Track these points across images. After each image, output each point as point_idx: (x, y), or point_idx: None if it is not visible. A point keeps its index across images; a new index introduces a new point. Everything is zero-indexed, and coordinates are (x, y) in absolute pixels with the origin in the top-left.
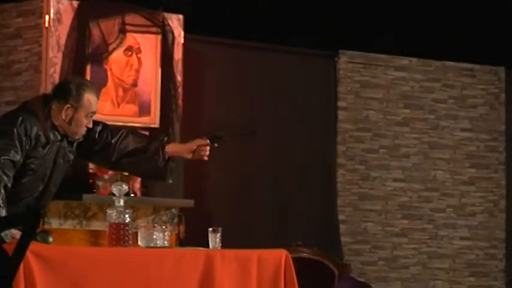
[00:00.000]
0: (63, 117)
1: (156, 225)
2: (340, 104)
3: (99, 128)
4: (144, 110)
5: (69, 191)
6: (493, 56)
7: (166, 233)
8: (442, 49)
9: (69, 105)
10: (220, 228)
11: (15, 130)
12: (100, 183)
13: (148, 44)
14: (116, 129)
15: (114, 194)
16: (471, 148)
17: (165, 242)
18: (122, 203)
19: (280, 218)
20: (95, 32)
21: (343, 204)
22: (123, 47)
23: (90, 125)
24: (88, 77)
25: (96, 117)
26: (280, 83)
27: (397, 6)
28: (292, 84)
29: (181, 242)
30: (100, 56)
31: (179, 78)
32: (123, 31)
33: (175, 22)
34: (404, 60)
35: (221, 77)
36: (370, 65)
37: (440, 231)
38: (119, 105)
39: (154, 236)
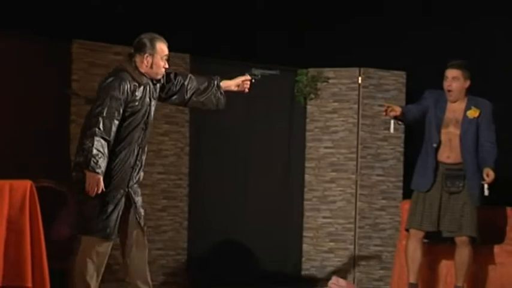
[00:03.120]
0: (146, 64)
1: None
2: (73, 77)
3: (172, 75)
4: None
5: None
6: (180, 45)
7: None
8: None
9: (147, 54)
10: None
11: (111, 92)
12: None
13: None
14: (184, 73)
15: None
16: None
17: None
18: None
19: (26, 154)
20: None
21: None
22: None
23: (167, 66)
24: None
25: None
26: (26, 64)
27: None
28: (33, 63)
29: None
30: None
31: None
32: None
33: None
34: (119, 48)
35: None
36: (95, 50)
37: None
38: None
39: None
